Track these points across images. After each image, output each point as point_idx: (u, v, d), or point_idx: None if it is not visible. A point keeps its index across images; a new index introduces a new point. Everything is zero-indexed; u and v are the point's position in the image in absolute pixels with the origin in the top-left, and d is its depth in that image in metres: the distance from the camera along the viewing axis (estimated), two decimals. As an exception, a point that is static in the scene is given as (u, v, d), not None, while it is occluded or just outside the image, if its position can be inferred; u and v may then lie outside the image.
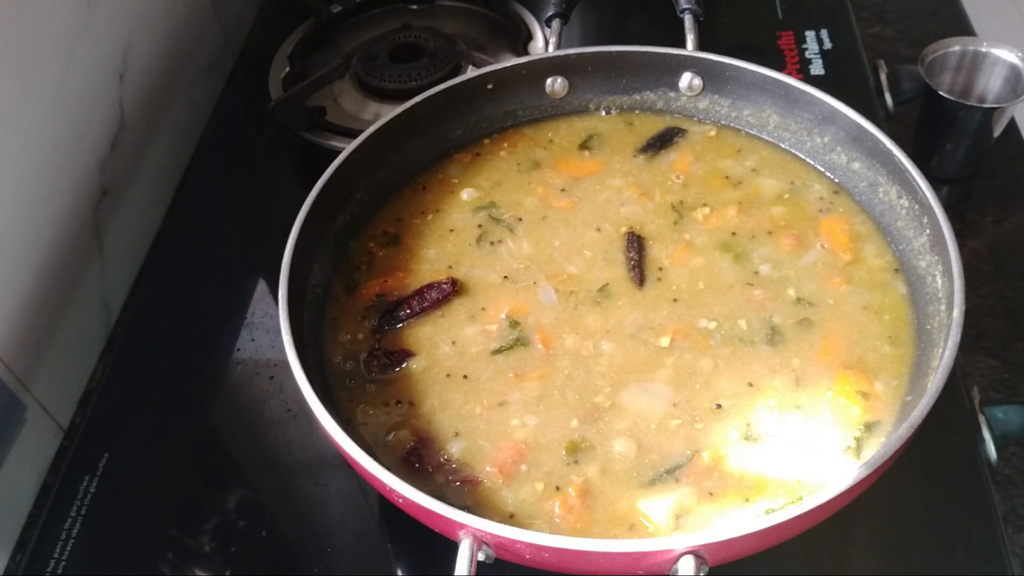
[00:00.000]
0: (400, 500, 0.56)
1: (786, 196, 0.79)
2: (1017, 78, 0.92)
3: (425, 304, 0.73)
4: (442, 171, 0.84)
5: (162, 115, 1.00)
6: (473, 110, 0.85)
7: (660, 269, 0.75)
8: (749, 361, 0.68)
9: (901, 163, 0.72)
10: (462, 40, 1.06)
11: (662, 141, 0.85)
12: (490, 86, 0.84)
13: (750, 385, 0.67)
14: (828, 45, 1.07)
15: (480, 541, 0.54)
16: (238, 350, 0.83)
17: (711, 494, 0.62)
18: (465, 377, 0.69)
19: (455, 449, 0.65)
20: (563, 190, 0.82)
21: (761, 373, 0.68)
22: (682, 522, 0.61)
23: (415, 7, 1.15)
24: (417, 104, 0.81)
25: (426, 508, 0.55)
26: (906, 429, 0.56)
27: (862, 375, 0.67)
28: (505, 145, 0.86)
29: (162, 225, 0.99)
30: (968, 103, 0.91)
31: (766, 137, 0.84)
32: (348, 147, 0.76)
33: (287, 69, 1.06)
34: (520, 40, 1.06)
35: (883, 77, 0.99)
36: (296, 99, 0.99)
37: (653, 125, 0.86)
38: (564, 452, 0.64)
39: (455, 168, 0.84)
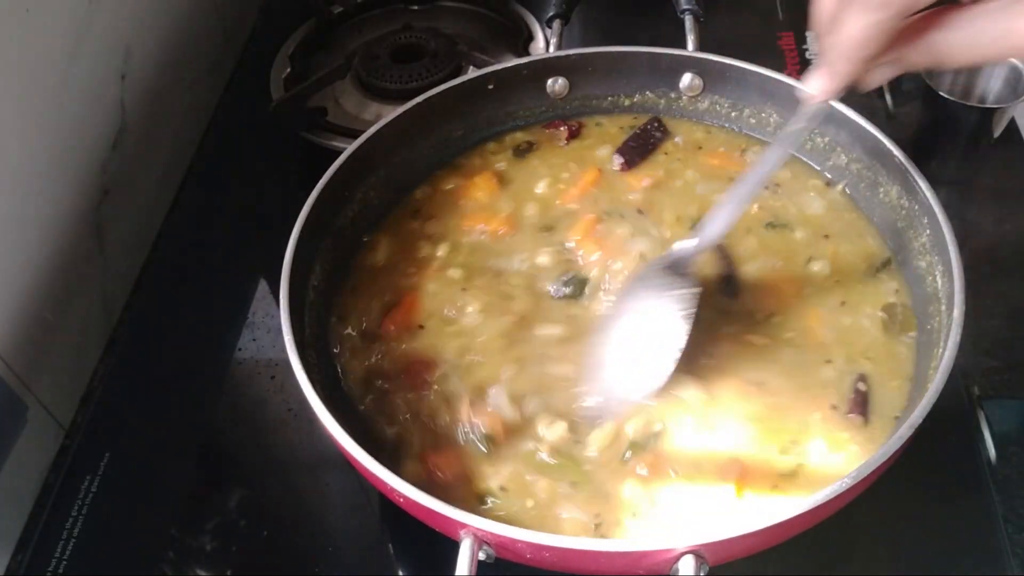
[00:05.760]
0: (401, 500, 0.56)
1: None
2: (1017, 79, 0.92)
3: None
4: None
5: (163, 115, 1.00)
6: (474, 111, 0.85)
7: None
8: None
9: (901, 163, 0.72)
10: (463, 41, 1.06)
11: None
12: (491, 87, 0.84)
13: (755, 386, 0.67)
14: (829, 46, 1.07)
15: (481, 540, 0.54)
16: (239, 350, 0.83)
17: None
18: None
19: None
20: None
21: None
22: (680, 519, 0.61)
23: (416, 8, 1.15)
24: (418, 104, 0.81)
25: (427, 507, 0.55)
26: (906, 429, 0.56)
27: (862, 375, 0.67)
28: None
29: (163, 225, 0.99)
30: (968, 104, 0.91)
31: (768, 139, 0.84)
32: (349, 147, 0.76)
33: (288, 69, 1.06)
34: (521, 41, 1.06)
35: (883, 78, 0.98)
36: (297, 99, 0.99)
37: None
38: None
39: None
